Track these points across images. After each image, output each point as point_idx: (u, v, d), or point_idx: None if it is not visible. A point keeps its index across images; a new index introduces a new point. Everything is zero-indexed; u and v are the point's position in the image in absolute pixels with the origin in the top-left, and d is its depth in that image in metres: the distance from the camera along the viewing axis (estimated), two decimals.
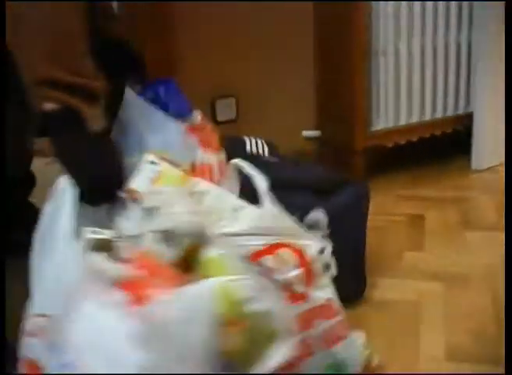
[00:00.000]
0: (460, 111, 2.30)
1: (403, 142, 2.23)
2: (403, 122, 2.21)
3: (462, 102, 2.30)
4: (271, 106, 2.21)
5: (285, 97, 2.22)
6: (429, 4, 2.14)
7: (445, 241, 1.79)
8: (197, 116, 1.31)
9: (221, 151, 1.24)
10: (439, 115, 2.27)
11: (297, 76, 2.23)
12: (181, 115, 1.26)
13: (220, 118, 2.10)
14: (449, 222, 1.92)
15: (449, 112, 2.29)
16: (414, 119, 2.23)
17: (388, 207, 2.03)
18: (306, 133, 2.29)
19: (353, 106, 2.12)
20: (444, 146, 2.35)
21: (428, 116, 2.25)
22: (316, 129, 2.29)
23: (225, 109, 2.11)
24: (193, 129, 1.23)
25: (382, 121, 2.20)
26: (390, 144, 2.21)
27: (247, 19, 2.09)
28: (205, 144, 1.21)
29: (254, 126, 2.18)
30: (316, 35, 2.23)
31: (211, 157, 1.20)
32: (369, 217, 1.52)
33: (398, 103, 2.19)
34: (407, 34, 2.13)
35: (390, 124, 2.20)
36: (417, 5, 2.12)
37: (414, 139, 2.25)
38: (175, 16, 1.96)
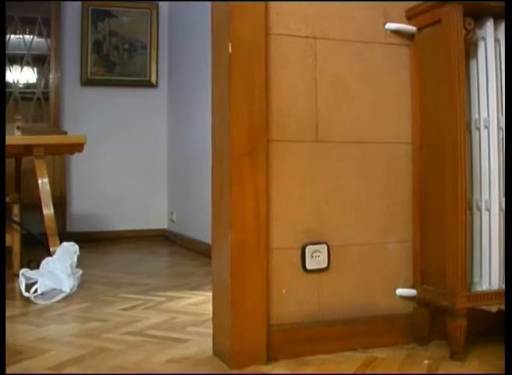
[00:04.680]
0: None
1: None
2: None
3: None
4: (364, 257, 2.11)
5: (380, 249, 2.13)
6: None
7: None
8: None
9: None
10: None
11: (393, 232, 2.15)
12: None
13: (310, 266, 2.01)
14: None
15: None
16: None
17: None
18: (400, 291, 2.16)
19: (453, 264, 1.98)
20: None
21: None
22: (412, 287, 2.15)
23: (316, 257, 2.02)
24: None
25: (485, 282, 2.04)
26: (494, 309, 2.04)
27: (340, 164, 2.09)
28: None
29: (345, 278, 2.08)
30: (415, 190, 2.17)
31: None
32: None
33: (502, 263, 2.04)
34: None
35: (494, 285, 2.03)
36: None
37: None
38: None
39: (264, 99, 1.94)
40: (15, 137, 3.74)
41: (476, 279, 2.06)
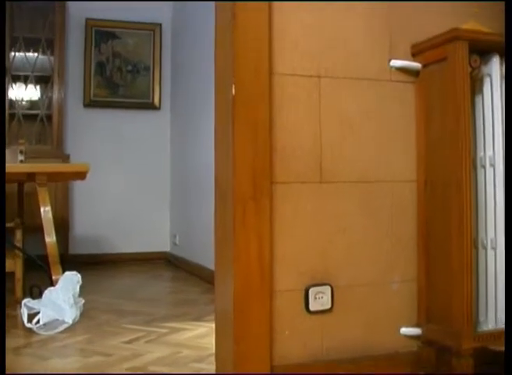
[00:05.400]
0: None
1: None
2: None
3: None
4: (368, 297, 2.09)
5: (384, 289, 2.11)
6: None
7: None
8: None
9: None
10: None
11: (398, 271, 2.13)
12: None
13: (313, 307, 1.99)
14: None
15: None
16: None
17: None
18: (405, 330, 2.13)
19: (459, 304, 1.96)
20: None
21: None
22: (416, 326, 2.13)
23: (319, 298, 2.01)
24: None
25: (491, 321, 2.02)
26: (501, 347, 2.01)
27: (347, 202, 2.07)
28: None
29: (349, 319, 2.06)
30: (420, 229, 2.16)
31: None
32: None
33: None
34: None
35: (500, 325, 2.01)
36: None
37: None
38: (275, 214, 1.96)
39: (268, 141, 1.93)
40: (18, 165, 3.74)
41: (482, 318, 2.04)
